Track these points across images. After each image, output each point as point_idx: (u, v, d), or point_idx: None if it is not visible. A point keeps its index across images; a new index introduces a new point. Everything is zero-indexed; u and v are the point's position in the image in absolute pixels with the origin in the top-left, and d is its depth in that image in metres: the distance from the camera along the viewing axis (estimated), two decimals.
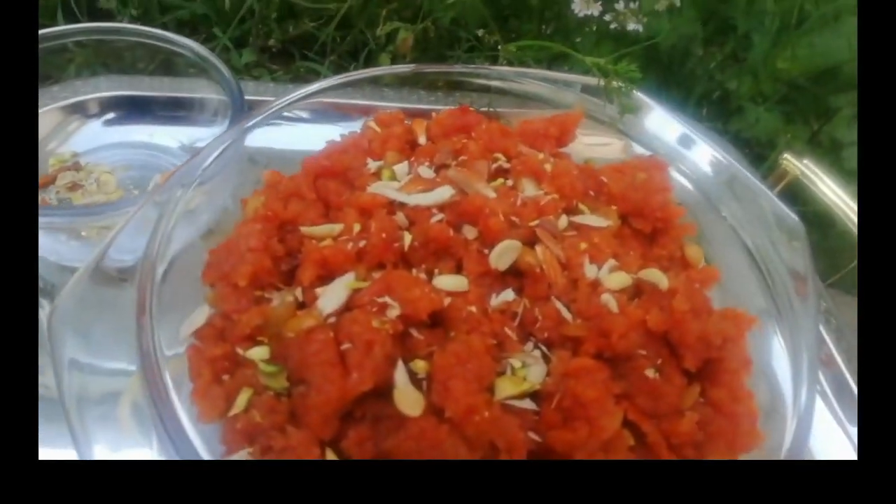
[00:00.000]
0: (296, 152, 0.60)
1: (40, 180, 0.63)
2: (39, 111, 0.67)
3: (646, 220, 0.56)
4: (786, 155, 0.80)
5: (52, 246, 0.56)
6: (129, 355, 0.43)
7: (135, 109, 0.71)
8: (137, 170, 0.68)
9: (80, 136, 0.69)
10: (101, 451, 0.39)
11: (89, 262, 0.46)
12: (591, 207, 0.56)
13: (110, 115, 0.70)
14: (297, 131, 0.66)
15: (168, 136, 0.71)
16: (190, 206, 0.53)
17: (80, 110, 0.69)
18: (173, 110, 0.70)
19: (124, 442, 0.41)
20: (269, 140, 0.64)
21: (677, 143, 0.66)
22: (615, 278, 0.50)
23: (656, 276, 0.51)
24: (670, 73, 0.97)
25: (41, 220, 0.52)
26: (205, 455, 0.37)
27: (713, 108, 0.97)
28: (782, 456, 0.43)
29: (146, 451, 0.40)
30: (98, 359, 0.44)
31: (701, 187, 0.64)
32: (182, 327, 0.45)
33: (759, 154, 0.91)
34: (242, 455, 0.39)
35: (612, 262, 0.51)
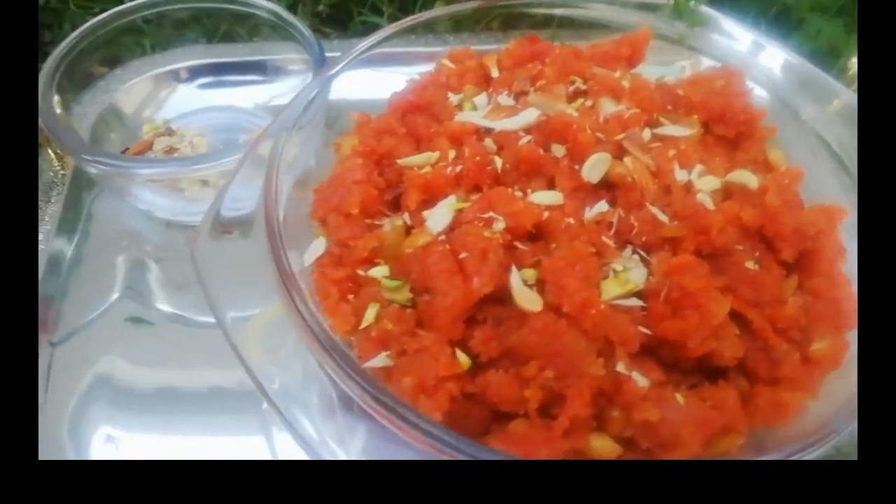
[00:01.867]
0: (368, 102, 0.62)
1: (139, 146, 0.67)
2: (128, 84, 0.71)
3: (729, 126, 0.57)
4: (853, 59, 0.79)
5: (159, 201, 0.60)
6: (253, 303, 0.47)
7: (214, 75, 0.75)
8: (223, 132, 0.72)
9: (169, 104, 0.73)
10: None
11: (210, 209, 0.50)
12: (672, 119, 0.57)
13: (193, 83, 0.74)
14: (367, 83, 0.68)
15: (246, 98, 0.74)
16: (288, 158, 0.57)
17: (165, 80, 0.73)
18: (250, 73, 0.74)
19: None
20: (340, 95, 0.67)
21: (748, 51, 0.66)
22: (706, 181, 0.52)
23: (746, 177, 0.52)
24: None
25: (147, 171, 0.55)
26: (353, 356, 0.40)
27: (772, 25, 0.95)
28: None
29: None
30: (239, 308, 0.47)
31: (777, 93, 0.64)
32: (304, 257, 0.49)
33: (821, 65, 0.89)
34: (381, 359, 0.42)
35: (700, 166, 0.52)
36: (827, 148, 0.61)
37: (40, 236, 0.59)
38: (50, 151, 0.66)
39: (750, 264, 0.48)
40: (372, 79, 0.68)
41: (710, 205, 0.49)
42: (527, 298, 0.42)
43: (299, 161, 0.60)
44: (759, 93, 0.64)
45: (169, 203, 0.61)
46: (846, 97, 0.60)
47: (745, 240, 0.49)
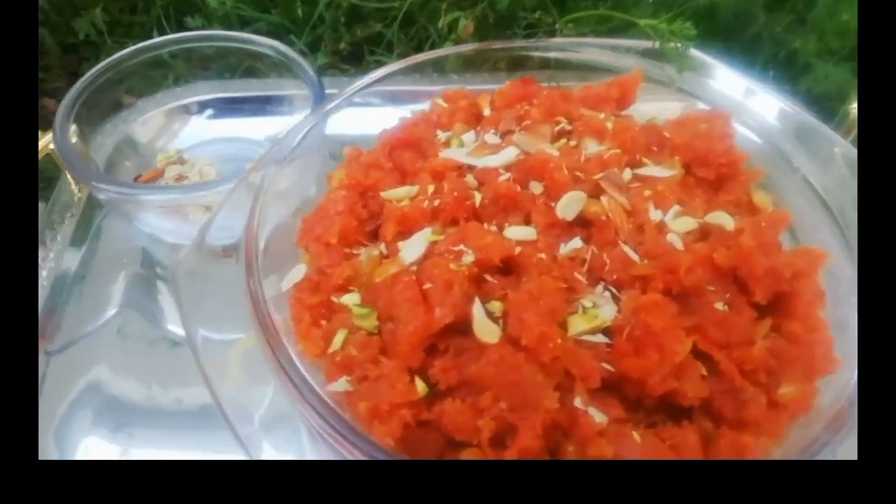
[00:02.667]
0: (371, 137, 0.65)
1: (151, 174, 0.71)
2: (146, 116, 0.76)
3: (710, 168, 0.57)
4: (853, 105, 0.79)
5: (164, 225, 0.63)
6: (237, 325, 0.49)
7: (227, 108, 0.79)
8: (232, 161, 0.76)
9: (182, 136, 0.77)
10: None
11: (197, 235, 0.53)
12: (654, 160, 0.58)
13: (206, 115, 0.79)
14: (370, 117, 0.71)
15: (256, 130, 0.78)
16: (280, 187, 0.59)
17: (179, 113, 0.78)
18: (260, 107, 0.78)
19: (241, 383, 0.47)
20: (345, 128, 0.70)
21: (743, 98, 0.66)
22: (681, 222, 0.52)
23: (722, 219, 0.53)
24: (733, 38, 0.96)
25: (151, 198, 0.59)
26: (310, 380, 0.42)
27: (780, 70, 0.95)
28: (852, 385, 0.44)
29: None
30: (211, 329, 0.50)
31: (770, 140, 0.64)
32: (282, 283, 0.51)
33: (829, 109, 0.89)
34: (342, 384, 0.44)
35: (677, 207, 0.53)
36: (818, 196, 0.60)
37: (51, 254, 0.63)
38: (68, 176, 0.70)
39: (720, 305, 0.48)
40: (380, 114, 0.71)
41: (679, 245, 0.49)
42: (485, 330, 0.43)
43: (298, 190, 0.63)
44: (751, 138, 0.65)
45: (174, 227, 0.65)
46: (842, 147, 0.60)
47: (718, 281, 0.50)
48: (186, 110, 0.79)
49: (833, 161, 0.61)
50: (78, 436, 0.54)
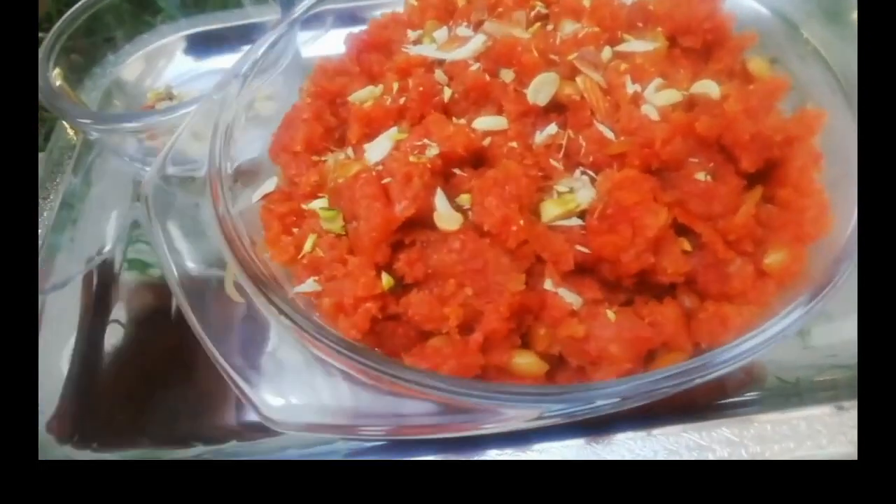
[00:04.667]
0: None
1: (141, 109, 0.71)
2: (132, 57, 0.76)
3: (694, 35, 0.53)
4: None
5: (151, 159, 0.64)
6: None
7: (212, 43, 0.78)
8: None
9: (169, 73, 0.77)
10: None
11: (159, 157, 0.52)
12: (637, 36, 0.54)
13: (192, 51, 0.78)
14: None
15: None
16: (254, 107, 0.58)
17: (166, 51, 0.77)
18: (244, 38, 0.76)
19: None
20: (326, 49, 0.68)
21: None
22: (663, 95, 0.49)
23: (708, 87, 0.49)
24: None
25: (131, 125, 0.59)
26: (274, 283, 0.42)
27: None
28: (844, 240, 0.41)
29: None
30: (202, 264, 0.50)
31: (776, 8, 0.59)
32: (254, 195, 0.51)
33: None
34: (309, 284, 0.44)
35: (658, 80, 0.49)
36: (829, 69, 0.55)
37: (51, 195, 0.65)
38: (65, 123, 0.71)
39: (701, 176, 0.45)
40: None
41: (654, 116, 0.46)
42: (445, 219, 0.42)
43: (276, 107, 0.62)
44: (757, 8, 0.60)
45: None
46: (856, 15, 0.54)
47: (701, 151, 0.47)
48: (172, 48, 0.78)
49: (848, 30, 0.55)
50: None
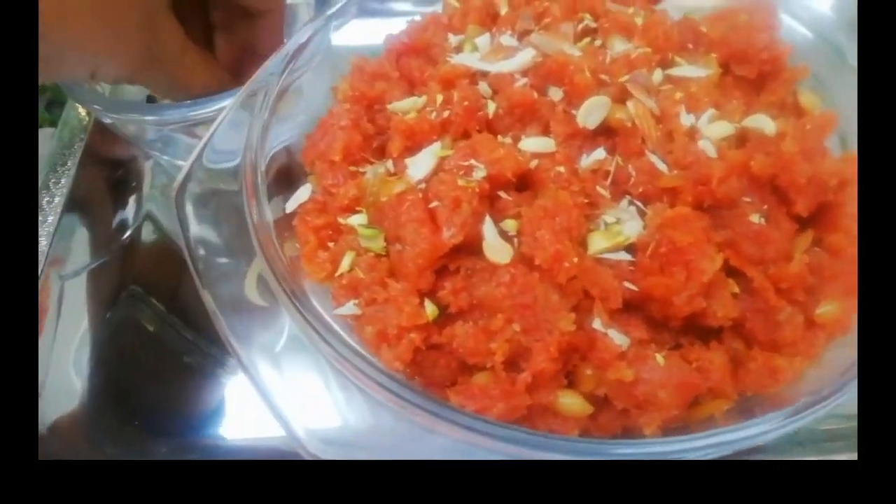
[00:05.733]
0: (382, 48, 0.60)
1: None
2: None
3: (750, 65, 0.51)
4: None
5: (171, 149, 0.61)
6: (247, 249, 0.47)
7: None
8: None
9: None
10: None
11: (191, 158, 0.50)
12: (689, 59, 0.53)
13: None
14: (385, 28, 0.65)
15: None
16: (286, 104, 0.56)
17: None
18: None
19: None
20: (358, 40, 0.65)
21: None
22: (716, 127, 0.47)
23: (762, 122, 0.48)
24: None
25: (153, 118, 0.56)
26: (316, 306, 0.40)
27: None
28: None
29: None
30: (226, 254, 0.48)
31: (821, 32, 0.58)
32: (287, 204, 0.49)
33: None
34: (349, 307, 0.42)
35: (712, 111, 0.48)
36: None
37: (62, 179, 0.62)
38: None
39: (755, 218, 0.44)
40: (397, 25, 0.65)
41: (712, 152, 0.45)
42: (495, 250, 0.41)
43: (306, 107, 0.59)
44: (800, 31, 0.58)
45: (181, 151, 0.62)
46: None
47: (755, 191, 0.45)
48: None
49: None
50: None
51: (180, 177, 0.46)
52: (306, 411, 0.42)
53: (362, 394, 0.39)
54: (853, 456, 0.51)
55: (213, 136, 0.48)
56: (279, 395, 0.42)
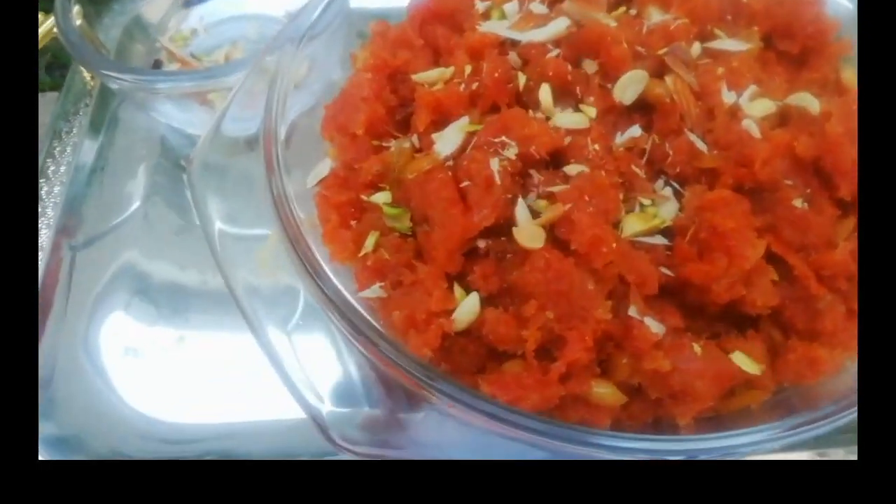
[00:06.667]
0: (402, 10, 0.57)
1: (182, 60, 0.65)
2: None
3: (794, 40, 0.49)
4: None
5: (182, 116, 0.59)
6: (261, 220, 0.45)
7: None
8: (256, 42, 0.69)
9: (196, 14, 0.70)
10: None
11: (210, 127, 0.48)
12: (728, 32, 0.50)
13: None
14: None
15: (276, 4, 0.70)
16: (301, 70, 0.53)
17: None
18: None
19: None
20: (375, 2, 0.62)
21: None
22: (758, 105, 0.45)
23: (806, 100, 0.45)
24: None
25: (166, 86, 0.54)
26: (340, 287, 0.38)
27: None
28: None
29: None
30: (237, 226, 0.47)
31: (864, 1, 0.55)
32: (308, 179, 0.47)
33: None
34: (375, 290, 0.40)
35: (753, 87, 0.46)
36: None
37: (67, 147, 0.60)
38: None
39: (798, 202, 0.42)
40: None
41: (756, 132, 0.43)
42: (527, 235, 0.39)
43: (321, 74, 0.57)
44: (841, 1, 0.55)
45: (193, 117, 0.60)
46: None
47: (797, 173, 0.43)
48: None
49: None
50: (112, 318, 0.54)
51: (196, 149, 0.44)
52: (324, 388, 0.41)
53: (384, 379, 0.38)
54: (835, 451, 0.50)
55: (230, 105, 0.46)
56: (296, 371, 0.41)
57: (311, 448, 0.51)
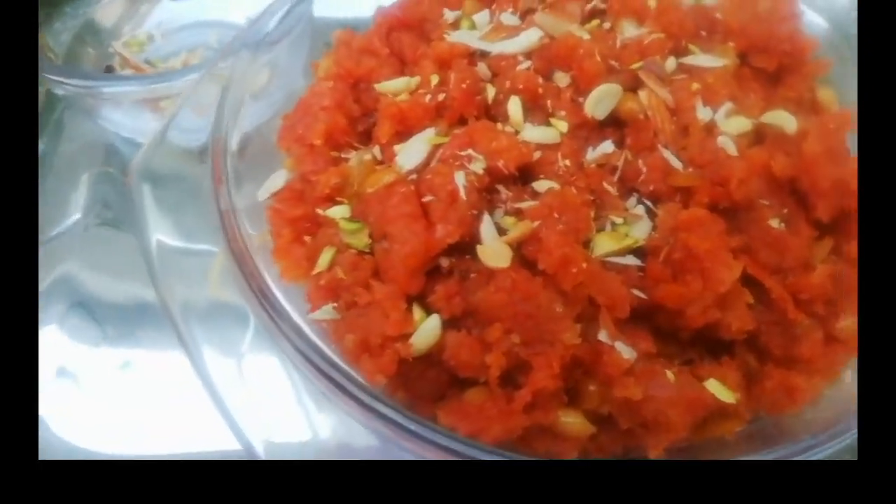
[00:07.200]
0: (369, 21, 0.55)
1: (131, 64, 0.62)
2: None
3: (770, 56, 0.48)
4: None
5: (130, 123, 0.55)
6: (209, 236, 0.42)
7: None
8: (215, 50, 0.66)
9: (152, 19, 0.67)
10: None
11: (157, 133, 0.45)
12: (703, 48, 0.49)
13: None
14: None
15: (236, 12, 0.68)
16: (260, 79, 0.51)
17: None
18: None
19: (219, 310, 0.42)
20: (340, 10, 0.60)
21: None
22: (734, 122, 0.44)
23: (782, 118, 0.44)
24: None
25: (113, 90, 0.51)
26: (287, 306, 0.36)
27: None
28: None
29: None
30: (185, 241, 0.44)
31: (839, 22, 0.54)
32: (259, 192, 0.44)
33: None
34: (327, 311, 0.38)
35: (729, 104, 0.44)
36: None
37: None
38: None
39: (774, 223, 0.41)
40: None
41: (732, 150, 0.41)
42: (493, 253, 0.37)
43: (282, 84, 0.54)
44: (816, 21, 0.55)
45: (143, 126, 0.57)
46: None
47: (773, 193, 0.42)
48: None
49: None
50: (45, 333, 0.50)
51: (138, 156, 0.41)
52: (268, 423, 0.38)
53: (336, 409, 0.35)
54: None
55: (179, 112, 0.43)
56: (238, 404, 0.38)
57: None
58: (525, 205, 0.39)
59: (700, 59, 0.47)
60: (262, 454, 0.35)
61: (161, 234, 0.42)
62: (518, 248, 0.38)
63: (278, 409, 0.39)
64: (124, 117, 0.56)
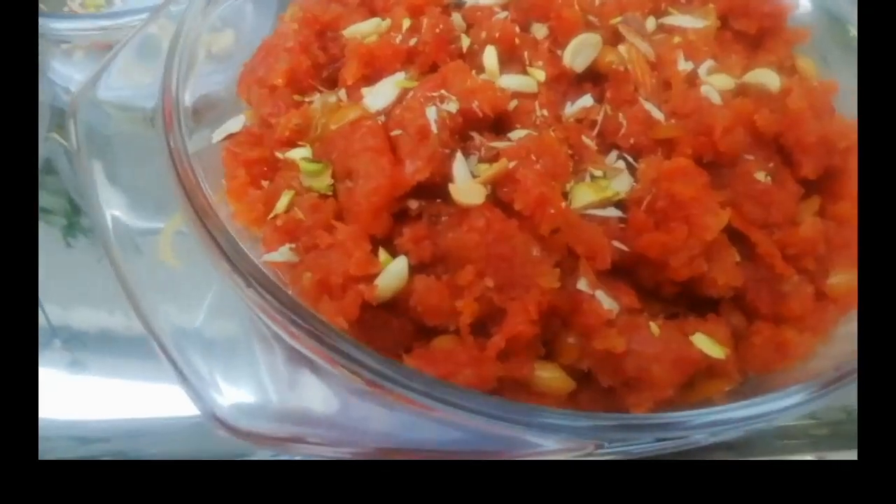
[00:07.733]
0: None
1: None
2: None
3: (750, 19, 0.47)
4: None
5: (68, 72, 0.51)
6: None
7: None
8: None
9: None
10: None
11: (95, 72, 0.41)
12: (684, 10, 0.47)
13: None
14: None
15: None
16: (221, 43, 0.48)
17: None
18: None
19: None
20: None
21: None
22: (716, 78, 0.42)
23: (767, 77, 0.43)
24: None
25: (60, 26, 0.47)
26: (241, 246, 0.32)
27: None
28: None
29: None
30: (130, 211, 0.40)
31: (823, 2, 0.54)
32: (214, 133, 0.40)
33: None
34: (284, 253, 0.34)
35: (710, 62, 0.43)
36: None
37: None
38: None
39: (760, 176, 0.39)
40: None
41: (716, 99, 0.39)
42: (466, 191, 0.34)
43: (249, 46, 0.51)
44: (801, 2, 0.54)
45: (77, 72, 0.52)
46: None
47: (758, 149, 0.40)
48: None
49: None
50: None
51: (76, 94, 0.37)
52: (226, 387, 0.34)
53: (296, 357, 0.31)
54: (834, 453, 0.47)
55: (115, 58, 0.40)
56: (194, 370, 0.34)
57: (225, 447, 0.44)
58: (501, 145, 0.37)
59: (680, 19, 0.46)
60: (221, 418, 0.31)
61: (109, 201, 0.38)
62: (493, 189, 0.35)
63: (237, 373, 0.35)
64: (76, 71, 0.52)
